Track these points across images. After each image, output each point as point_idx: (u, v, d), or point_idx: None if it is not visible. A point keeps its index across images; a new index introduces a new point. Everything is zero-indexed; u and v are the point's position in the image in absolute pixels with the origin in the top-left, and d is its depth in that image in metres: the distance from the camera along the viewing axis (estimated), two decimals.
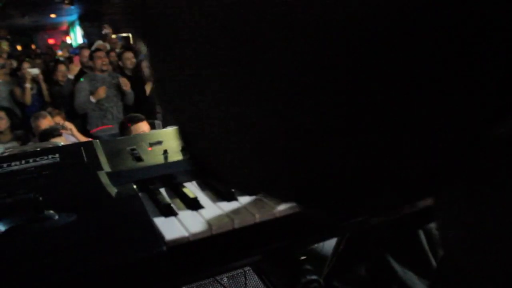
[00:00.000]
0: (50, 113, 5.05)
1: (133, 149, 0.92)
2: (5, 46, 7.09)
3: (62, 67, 5.82)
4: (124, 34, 15.92)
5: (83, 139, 4.55)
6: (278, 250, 0.66)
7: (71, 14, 14.17)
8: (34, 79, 6.08)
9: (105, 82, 5.62)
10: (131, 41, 15.54)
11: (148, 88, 5.87)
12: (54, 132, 3.78)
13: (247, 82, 0.27)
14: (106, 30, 8.87)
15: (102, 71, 5.59)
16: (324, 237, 0.83)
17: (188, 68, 0.30)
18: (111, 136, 5.66)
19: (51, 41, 17.73)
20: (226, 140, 0.32)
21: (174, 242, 0.62)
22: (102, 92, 5.35)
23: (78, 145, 0.97)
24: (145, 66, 5.91)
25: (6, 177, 0.83)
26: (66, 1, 8.94)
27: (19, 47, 18.15)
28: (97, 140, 0.98)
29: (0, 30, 15.63)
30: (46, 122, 4.55)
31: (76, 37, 17.05)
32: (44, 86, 6.09)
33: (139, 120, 3.67)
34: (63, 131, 4.46)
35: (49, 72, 6.65)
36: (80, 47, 7.83)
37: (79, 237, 0.62)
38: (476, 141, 0.29)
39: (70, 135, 4.55)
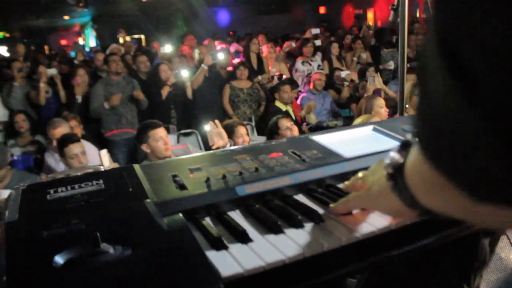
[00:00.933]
0: (65, 117, 5.10)
1: (175, 176, 0.94)
2: (21, 49, 7.15)
3: (81, 71, 5.86)
4: (136, 36, 16.05)
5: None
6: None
7: (84, 15, 14.29)
8: (50, 82, 6.12)
9: (120, 86, 5.67)
10: (143, 43, 15.67)
11: (164, 92, 5.91)
12: (72, 137, 3.82)
13: None
14: (121, 34, 8.91)
15: (117, 74, 5.64)
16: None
17: None
18: (125, 140, 5.71)
19: (63, 42, 17.88)
20: None
21: (230, 279, 0.64)
22: (116, 99, 5.39)
23: (119, 170, 0.99)
24: (162, 70, 5.93)
25: (54, 204, 0.85)
26: (80, 4, 9.00)
27: (32, 48, 18.31)
28: (137, 165, 0.99)
29: (14, 32, 15.80)
30: (62, 130, 4.59)
31: (88, 38, 17.17)
32: (60, 87, 6.14)
33: (156, 126, 3.70)
34: None
35: (64, 74, 6.70)
36: (95, 50, 7.89)
37: (136, 272, 0.64)
38: None
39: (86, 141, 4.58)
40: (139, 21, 13.98)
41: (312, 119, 6.00)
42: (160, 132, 3.68)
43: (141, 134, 3.72)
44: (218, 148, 3.55)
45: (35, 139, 5.55)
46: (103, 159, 3.65)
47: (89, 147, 4.57)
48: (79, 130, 4.97)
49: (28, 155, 5.30)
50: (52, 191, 0.89)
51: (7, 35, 16.39)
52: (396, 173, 0.65)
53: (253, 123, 6.37)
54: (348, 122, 6.12)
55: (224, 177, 0.93)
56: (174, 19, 12.70)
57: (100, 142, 5.49)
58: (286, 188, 0.92)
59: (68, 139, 3.81)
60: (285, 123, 4.21)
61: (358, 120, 3.82)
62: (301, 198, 0.92)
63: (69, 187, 0.90)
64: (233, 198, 0.87)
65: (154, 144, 3.62)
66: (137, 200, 0.83)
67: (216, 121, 3.62)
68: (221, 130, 3.53)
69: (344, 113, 6.85)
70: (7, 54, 17.83)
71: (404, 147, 0.65)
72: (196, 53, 6.53)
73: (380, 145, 1.09)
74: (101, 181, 0.91)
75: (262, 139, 5.85)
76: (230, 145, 3.65)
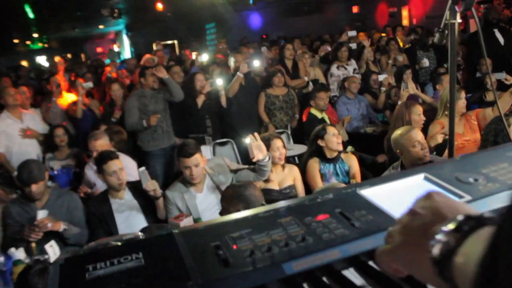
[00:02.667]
0: (105, 131, 5.15)
1: (217, 247, 0.89)
2: (61, 64, 7.32)
3: (115, 86, 5.94)
4: (170, 42, 16.24)
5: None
6: None
7: (118, 24, 14.54)
8: (87, 94, 6.23)
9: (153, 97, 5.70)
10: (177, 49, 15.84)
11: (199, 101, 5.90)
12: (111, 155, 3.85)
13: None
14: (158, 46, 9.01)
15: (153, 89, 5.67)
16: None
17: None
18: (162, 151, 5.74)
19: (99, 50, 18.27)
20: None
21: None
22: (154, 120, 5.42)
23: (159, 240, 0.94)
24: (198, 79, 5.92)
25: (94, 286, 0.81)
26: (114, 15, 9.15)
27: (69, 55, 18.78)
28: (177, 231, 0.95)
29: (52, 42, 16.24)
30: (102, 142, 4.65)
31: (124, 45, 17.45)
32: (96, 102, 6.25)
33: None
34: None
35: (99, 86, 6.80)
36: (130, 67, 7.99)
37: None
38: None
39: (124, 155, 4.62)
40: (172, 28, 14.12)
41: (343, 135, 5.84)
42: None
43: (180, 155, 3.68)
44: (258, 160, 3.56)
45: (74, 152, 5.65)
46: (142, 176, 3.67)
47: (127, 161, 4.62)
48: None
49: (67, 168, 5.40)
50: (91, 267, 0.85)
51: (46, 45, 16.87)
52: (444, 260, 0.53)
53: (289, 131, 6.30)
54: (385, 128, 5.98)
55: (269, 249, 0.87)
56: (206, 24, 12.74)
57: (137, 154, 5.54)
58: (336, 262, 0.86)
59: (107, 156, 3.84)
60: (332, 130, 4.17)
61: (397, 132, 3.70)
62: (352, 273, 0.85)
63: (108, 263, 0.86)
64: (280, 278, 0.82)
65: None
66: (178, 282, 0.79)
67: (256, 134, 3.62)
68: (261, 143, 3.57)
69: (380, 118, 6.70)
70: (46, 64, 18.41)
71: (460, 226, 0.54)
72: (232, 61, 6.50)
73: None
74: (140, 255, 0.87)
75: (298, 148, 5.79)
76: (269, 158, 3.64)
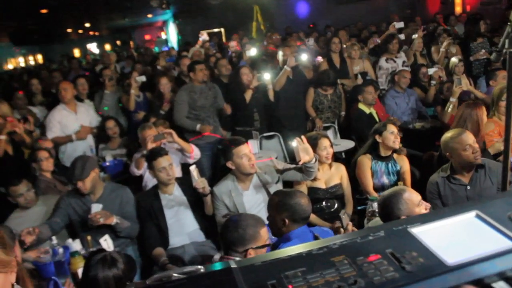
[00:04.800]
0: (154, 123, 5.31)
1: (273, 286, 0.95)
2: (113, 57, 7.54)
3: (164, 80, 6.08)
4: (216, 30, 16.35)
5: (185, 144, 4.76)
6: None
7: (166, 13, 14.76)
8: (140, 87, 6.40)
9: (203, 92, 5.80)
10: (224, 38, 15.94)
11: (247, 96, 5.97)
12: (161, 152, 3.98)
13: None
14: (204, 36, 9.09)
15: (202, 82, 5.77)
16: None
17: None
18: (209, 144, 5.86)
19: (147, 37, 18.62)
20: None
21: None
22: (207, 129, 5.65)
23: (218, 276, 1.01)
24: (243, 73, 5.96)
25: None
26: (163, 6, 9.31)
27: (118, 42, 19.26)
28: (235, 267, 1.01)
29: (103, 30, 16.71)
30: (150, 132, 4.80)
31: (169, 33, 17.69)
32: (148, 94, 6.44)
33: (239, 143, 3.76)
34: (164, 141, 4.69)
35: (150, 78, 6.96)
36: (180, 56, 8.11)
37: None
38: None
39: (172, 142, 4.75)
40: (218, 16, 14.21)
41: None
42: (244, 148, 3.74)
43: (225, 150, 3.81)
44: (304, 163, 3.60)
45: (126, 142, 5.85)
46: (193, 174, 3.78)
47: (174, 148, 4.81)
48: None
49: (119, 160, 5.61)
50: None
51: (97, 33, 17.35)
52: None
53: (336, 126, 6.28)
54: (434, 123, 5.85)
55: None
56: (254, 12, 12.74)
57: None
58: None
59: (157, 153, 3.98)
60: (391, 127, 4.19)
61: (447, 135, 3.64)
62: None
63: None
64: None
65: (239, 161, 3.70)
66: None
67: (302, 137, 3.66)
68: (307, 145, 3.61)
69: (430, 112, 6.54)
70: (97, 51, 18.97)
71: None
72: (280, 55, 6.51)
73: (487, 243, 1.03)
74: None
75: (345, 143, 5.76)
76: (316, 160, 3.67)
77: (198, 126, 5.59)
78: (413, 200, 2.66)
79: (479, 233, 1.10)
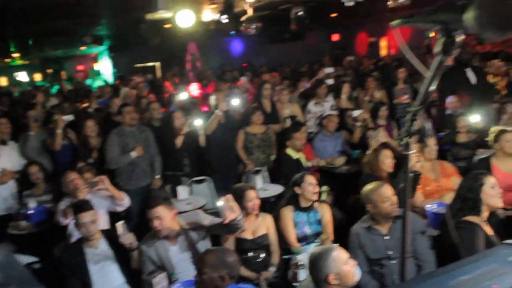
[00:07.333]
0: (80, 170, 5.17)
1: None
2: (40, 97, 7.29)
3: (90, 123, 5.94)
4: (151, 64, 16.26)
5: (116, 192, 4.65)
6: None
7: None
8: (66, 129, 6.21)
9: (134, 135, 5.75)
10: (159, 72, 15.88)
11: (178, 141, 5.97)
12: (85, 206, 3.87)
13: None
14: (137, 79, 9.04)
15: (132, 126, 5.72)
16: None
17: None
18: (140, 189, 5.77)
19: (80, 68, 18.20)
20: None
21: None
22: (140, 150, 5.63)
23: None
24: (176, 117, 5.92)
25: None
26: (97, 42, 9.20)
27: (49, 70, 18.61)
28: None
29: (33, 59, 16.15)
30: (76, 182, 4.69)
31: (103, 65, 17.39)
32: (73, 136, 6.26)
33: (151, 206, 3.66)
34: (95, 188, 4.58)
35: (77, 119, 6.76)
36: (115, 94, 7.98)
37: None
38: None
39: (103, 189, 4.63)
40: (154, 50, 14.21)
41: None
42: (155, 212, 3.61)
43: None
44: (230, 221, 3.51)
45: (51, 188, 5.63)
46: (119, 230, 3.69)
47: (102, 195, 4.69)
48: None
49: (43, 206, 5.36)
50: None
51: (27, 62, 16.80)
52: None
53: (266, 171, 6.38)
54: (359, 167, 6.06)
55: None
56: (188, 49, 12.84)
57: None
58: None
59: (80, 207, 3.87)
60: (309, 179, 4.30)
61: (368, 188, 3.81)
62: None
63: None
64: None
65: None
66: None
67: (229, 195, 3.55)
68: (233, 204, 3.45)
69: (356, 154, 6.77)
70: (27, 79, 18.26)
71: None
72: (213, 99, 6.59)
73: None
74: None
75: (275, 188, 5.82)
76: (242, 217, 3.58)
77: (133, 154, 5.53)
78: (341, 258, 2.80)
79: None
